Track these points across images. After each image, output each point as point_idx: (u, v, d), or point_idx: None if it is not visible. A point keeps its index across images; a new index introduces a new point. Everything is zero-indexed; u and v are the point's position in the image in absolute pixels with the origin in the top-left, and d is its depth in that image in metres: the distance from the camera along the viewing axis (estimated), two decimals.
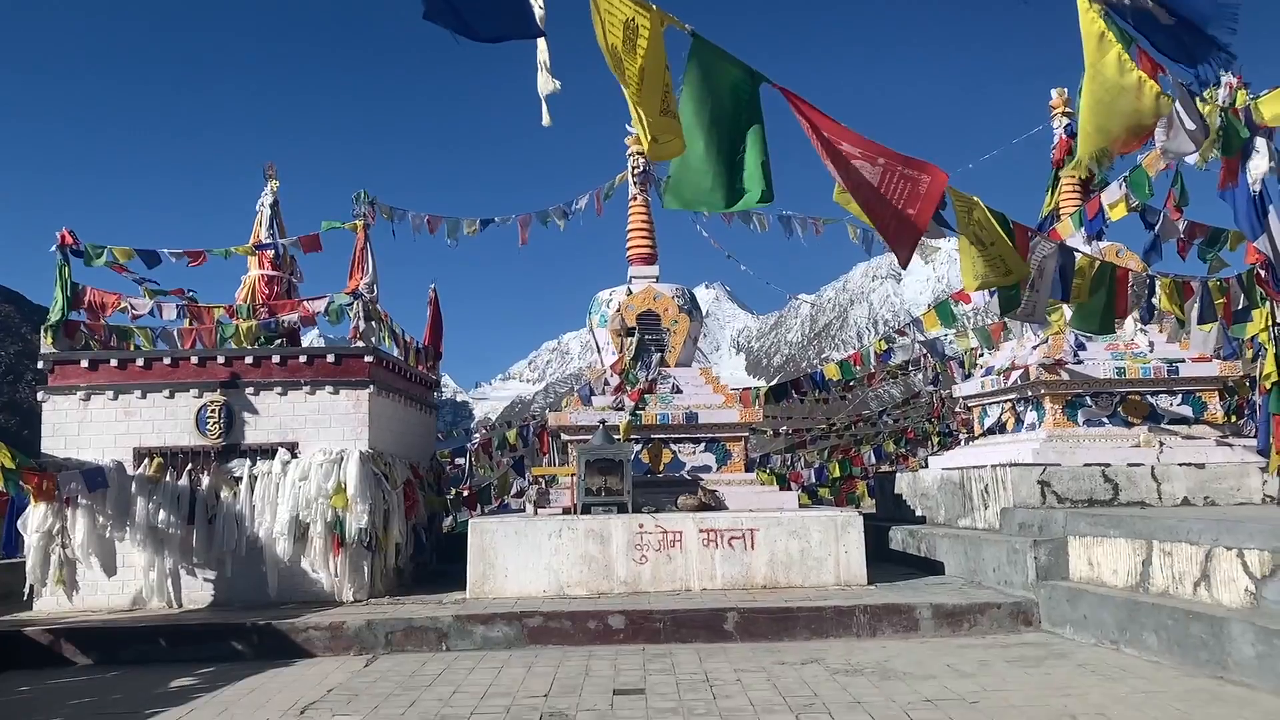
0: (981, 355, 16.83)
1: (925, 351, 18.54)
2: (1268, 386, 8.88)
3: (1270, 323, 8.41)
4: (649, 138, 5.83)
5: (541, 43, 5.66)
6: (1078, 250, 8.88)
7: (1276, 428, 9.10)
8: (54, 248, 12.16)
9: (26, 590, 11.04)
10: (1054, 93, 14.83)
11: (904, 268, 7.06)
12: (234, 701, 7.45)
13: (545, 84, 5.76)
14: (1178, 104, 6.25)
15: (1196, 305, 9.34)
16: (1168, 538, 8.39)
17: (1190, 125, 6.29)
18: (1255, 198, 7.81)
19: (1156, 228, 11.00)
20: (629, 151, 15.00)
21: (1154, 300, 10.11)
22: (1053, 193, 14.56)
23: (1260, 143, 7.45)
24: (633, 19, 5.50)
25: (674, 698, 7.10)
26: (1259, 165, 7.62)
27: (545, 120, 5.85)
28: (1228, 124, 7.20)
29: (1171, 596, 8.20)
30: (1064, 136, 14.55)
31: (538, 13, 5.35)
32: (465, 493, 17.56)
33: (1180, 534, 8.25)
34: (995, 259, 7.41)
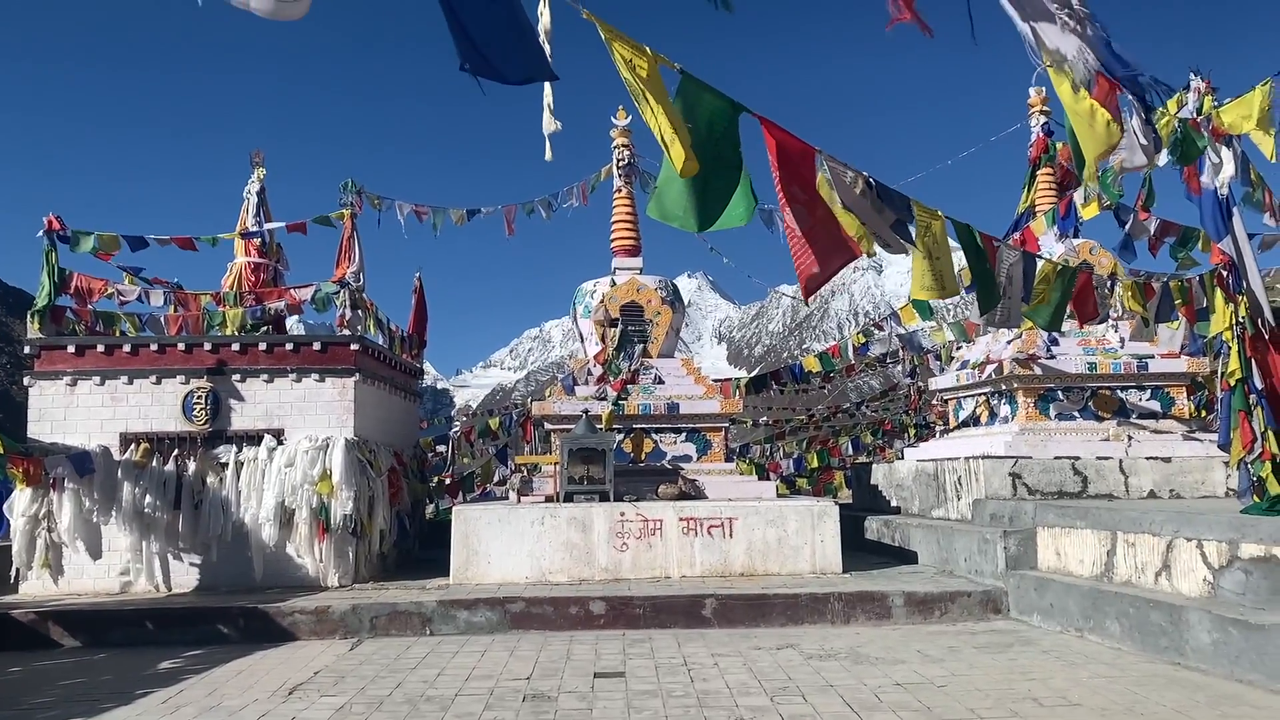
0: (959, 349, 17.14)
1: (903, 345, 18.83)
2: (1231, 383, 9.14)
3: (1233, 321, 8.68)
4: (675, 162, 6.17)
5: (547, 87, 6.02)
6: (1040, 256, 9.16)
7: (1242, 423, 9.38)
8: (41, 233, 12.20)
9: (12, 574, 11.13)
10: (1032, 91, 15.06)
11: (806, 304, 7.47)
12: (223, 682, 7.61)
13: (549, 124, 6.21)
14: (1134, 121, 6.50)
15: (1157, 304, 9.63)
16: (1131, 529, 8.68)
17: (1144, 141, 6.56)
18: (1221, 201, 8.08)
19: (1127, 226, 11.28)
20: (614, 144, 15.16)
21: (1112, 300, 10.40)
22: (1029, 190, 14.82)
23: (1225, 149, 7.71)
24: (631, 60, 5.83)
25: (653, 680, 7.32)
26: (1225, 170, 7.88)
27: (548, 156, 6.27)
28: (1185, 134, 7.47)
29: (1134, 586, 8.49)
30: (1041, 135, 14.80)
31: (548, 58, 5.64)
32: (448, 480, 17.73)
33: (1143, 525, 8.54)
34: (937, 273, 7.80)
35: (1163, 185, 12.03)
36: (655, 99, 5.95)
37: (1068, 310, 9.37)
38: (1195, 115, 7.77)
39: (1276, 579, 7.13)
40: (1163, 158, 7.94)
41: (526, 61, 5.53)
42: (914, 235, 7.55)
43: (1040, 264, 8.72)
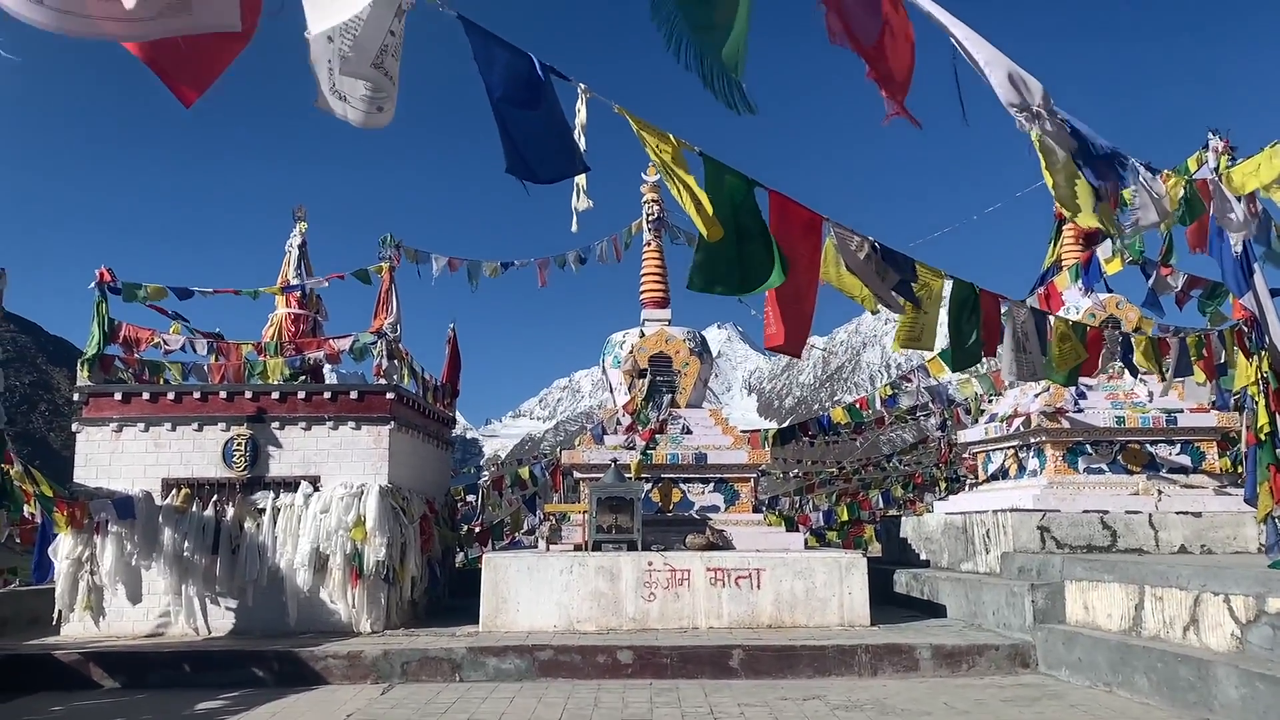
0: (988, 402, 17.15)
1: (932, 397, 18.85)
2: (1260, 437, 9.17)
3: (1259, 375, 8.73)
4: (703, 230, 6.50)
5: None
6: (1050, 314, 9.32)
7: (1272, 477, 9.40)
8: (92, 285, 12.69)
9: (55, 615, 11.40)
10: None
11: (798, 356, 7.87)
12: None
13: (580, 203, 6.54)
14: (1140, 184, 6.70)
15: (1173, 360, 9.71)
16: (1159, 583, 8.67)
17: (1156, 195, 6.75)
18: (1239, 258, 8.20)
19: (1150, 281, 11.37)
20: (644, 200, 15.51)
21: (1130, 357, 10.46)
22: (1054, 245, 14.94)
23: (1239, 206, 7.85)
24: (658, 145, 6.19)
25: None
26: (1240, 227, 8.01)
27: (574, 228, 6.60)
28: (1190, 196, 7.64)
29: (1162, 640, 8.46)
30: None
31: (581, 149, 5.96)
32: (477, 529, 17.89)
33: (1171, 580, 8.53)
34: (918, 325, 8.09)
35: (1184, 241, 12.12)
36: (680, 176, 6.28)
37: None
38: (1214, 174, 7.93)
39: None
40: (1177, 215, 8.10)
41: (559, 162, 5.84)
42: (915, 294, 7.84)
43: (1052, 321, 8.87)
